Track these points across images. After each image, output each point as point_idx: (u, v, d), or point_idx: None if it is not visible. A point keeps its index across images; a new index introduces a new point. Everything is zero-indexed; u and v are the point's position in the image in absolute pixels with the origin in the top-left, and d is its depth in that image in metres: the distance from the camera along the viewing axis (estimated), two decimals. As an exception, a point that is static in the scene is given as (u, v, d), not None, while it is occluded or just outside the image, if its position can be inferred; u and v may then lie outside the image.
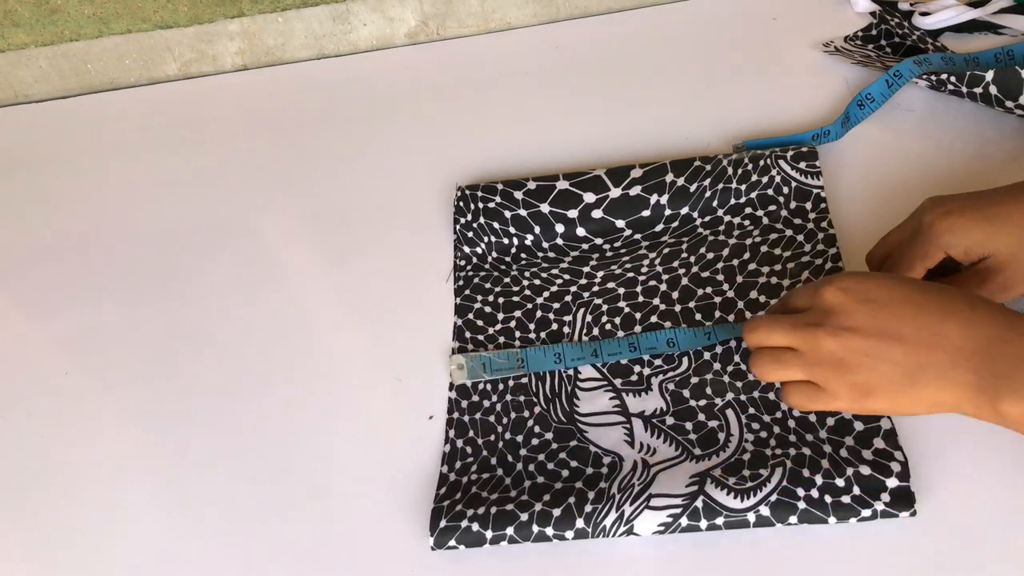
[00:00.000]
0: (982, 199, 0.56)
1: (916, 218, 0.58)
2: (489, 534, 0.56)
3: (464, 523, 0.57)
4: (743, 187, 0.70)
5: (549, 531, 0.55)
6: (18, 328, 0.78)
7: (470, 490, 0.59)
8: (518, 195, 0.73)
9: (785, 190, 0.69)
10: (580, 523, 0.55)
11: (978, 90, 0.71)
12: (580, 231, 0.72)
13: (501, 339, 0.67)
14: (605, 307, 0.67)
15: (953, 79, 0.72)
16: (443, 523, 0.57)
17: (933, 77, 0.73)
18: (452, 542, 0.56)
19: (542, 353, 0.65)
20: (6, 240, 0.86)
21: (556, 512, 0.56)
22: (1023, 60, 0.74)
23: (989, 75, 0.70)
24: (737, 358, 0.62)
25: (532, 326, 0.67)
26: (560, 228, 0.72)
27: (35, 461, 0.68)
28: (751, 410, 0.59)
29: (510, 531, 0.56)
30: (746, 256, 0.67)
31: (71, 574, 0.62)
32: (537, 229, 0.72)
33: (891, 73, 0.73)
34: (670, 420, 0.60)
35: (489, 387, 0.64)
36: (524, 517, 0.56)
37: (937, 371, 0.47)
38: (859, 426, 0.57)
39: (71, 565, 0.62)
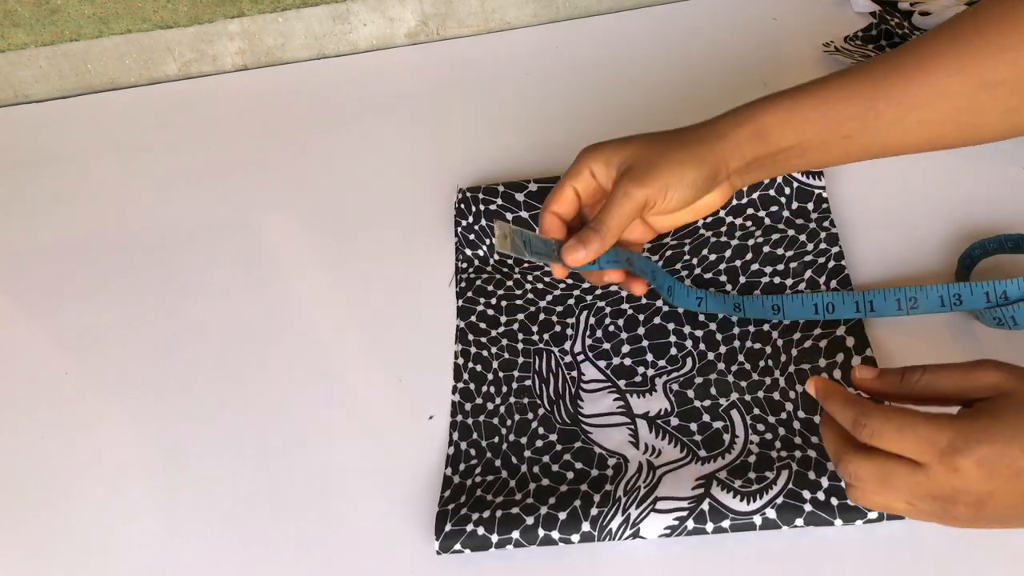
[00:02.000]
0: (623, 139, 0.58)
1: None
2: (494, 538, 0.56)
3: (469, 527, 0.56)
4: (744, 188, 0.70)
5: (555, 535, 0.55)
6: (18, 328, 0.78)
7: (475, 493, 0.59)
8: (519, 197, 0.73)
9: (787, 191, 0.69)
10: (586, 527, 0.55)
11: (979, 91, 0.71)
12: None
13: (504, 341, 0.67)
14: (608, 309, 0.67)
15: (954, 79, 0.72)
16: (448, 527, 0.57)
17: (934, 78, 0.73)
18: (457, 546, 0.56)
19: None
20: (6, 240, 0.85)
21: (562, 515, 0.56)
22: None
23: (990, 76, 0.70)
24: (741, 357, 0.62)
25: (535, 328, 0.67)
26: (562, 229, 0.72)
27: (35, 461, 0.68)
28: (756, 411, 0.59)
29: (516, 535, 0.56)
30: (748, 257, 0.67)
31: (71, 574, 0.62)
32: (539, 230, 0.72)
33: (892, 73, 0.73)
34: (675, 421, 0.60)
35: (492, 389, 0.64)
36: (530, 521, 0.56)
37: None
38: None
39: (71, 565, 0.62)
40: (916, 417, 0.43)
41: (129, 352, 0.74)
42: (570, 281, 0.69)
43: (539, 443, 0.61)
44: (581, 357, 0.65)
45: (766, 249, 0.67)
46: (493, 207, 0.73)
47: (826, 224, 0.67)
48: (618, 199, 0.55)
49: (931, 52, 0.52)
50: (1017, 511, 0.42)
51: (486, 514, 0.57)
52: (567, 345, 0.66)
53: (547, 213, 0.58)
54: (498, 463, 0.61)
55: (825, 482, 0.54)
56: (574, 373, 0.64)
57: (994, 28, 0.51)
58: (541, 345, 0.66)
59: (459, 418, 0.63)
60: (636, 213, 0.55)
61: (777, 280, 0.65)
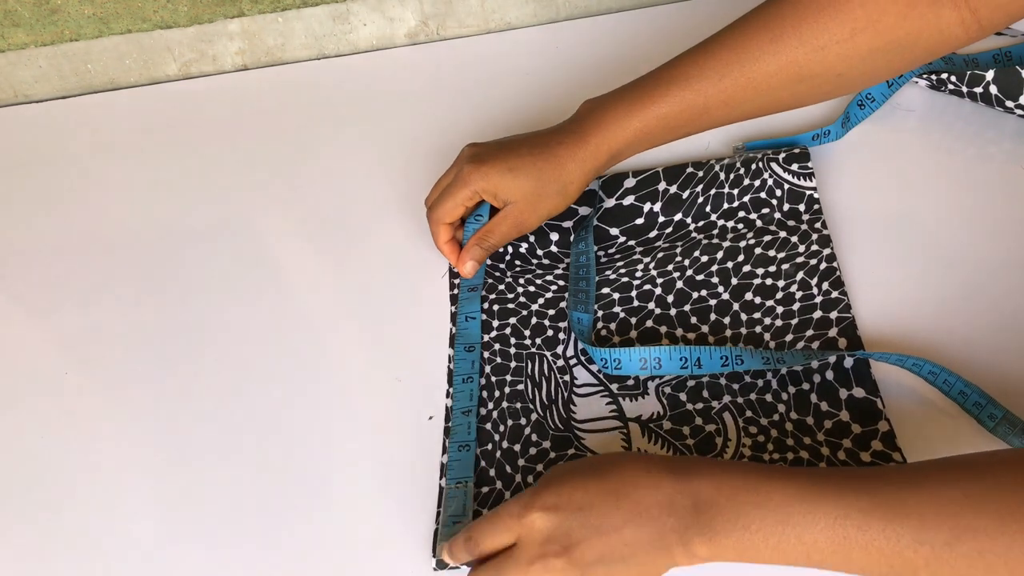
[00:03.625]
0: (508, 150, 0.67)
1: (458, 163, 0.68)
2: None
3: None
4: (735, 191, 0.70)
5: None
6: (18, 328, 0.78)
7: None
8: None
9: (778, 192, 0.69)
10: None
11: (978, 90, 0.70)
12: (574, 238, 0.72)
13: (497, 346, 0.67)
14: (600, 312, 0.67)
15: (953, 79, 0.72)
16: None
17: (933, 77, 0.73)
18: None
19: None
20: (6, 240, 0.86)
21: None
22: (1021, 61, 0.74)
23: (989, 75, 0.70)
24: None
25: (527, 332, 0.67)
26: (555, 236, 0.72)
27: (35, 461, 0.69)
28: (748, 413, 0.59)
29: None
30: (740, 258, 0.67)
31: (71, 574, 0.62)
32: (532, 238, 0.72)
33: (891, 73, 0.73)
34: (667, 424, 0.60)
35: (485, 395, 0.64)
36: None
37: (652, 542, 0.48)
38: (856, 428, 0.56)
39: (71, 565, 0.62)
40: (502, 505, 0.52)
41: (129, 352, 0.74)
42: (562, 283, 0.69)
43: (533, 451, 0.61)
44: (573, 361, 0.65)
45: (758, 251, 0.67)
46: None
47: (818, 226, 0.67)
48: (506, 229, 0.67)
49: (754, 54, 0.60)
50: (607, 547, 0.48)
51: None
52: (559, 349, 0.66)
53: (441, 226, 0.68)
54: (492, 473, 0.60)
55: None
56: (566, 377, 0.64)
57: (808, 26, 0.58)
58: (533, 349, 0.66)
59: (452, 424, 0.63)
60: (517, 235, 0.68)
61: (769, 282, 0.65)
